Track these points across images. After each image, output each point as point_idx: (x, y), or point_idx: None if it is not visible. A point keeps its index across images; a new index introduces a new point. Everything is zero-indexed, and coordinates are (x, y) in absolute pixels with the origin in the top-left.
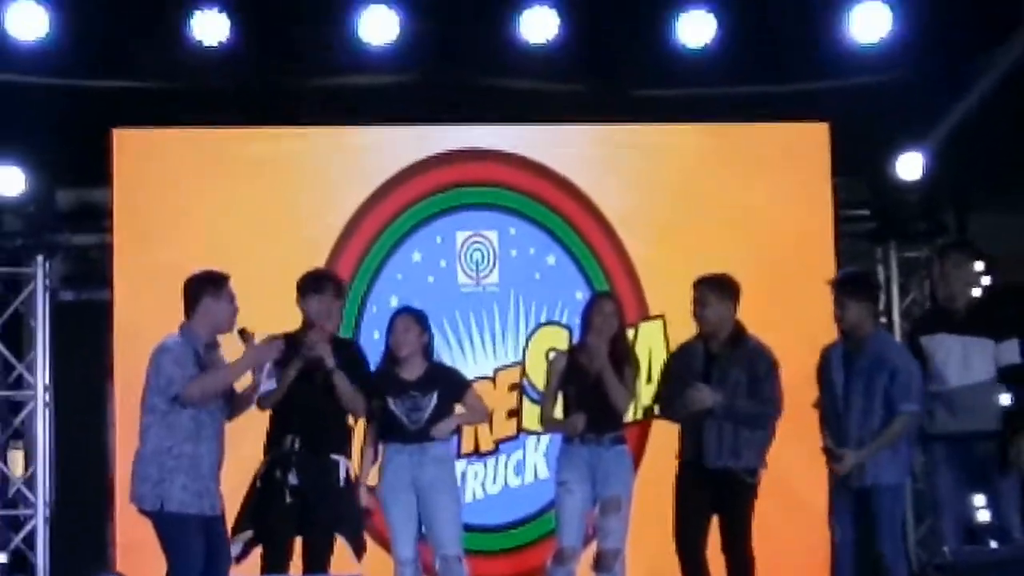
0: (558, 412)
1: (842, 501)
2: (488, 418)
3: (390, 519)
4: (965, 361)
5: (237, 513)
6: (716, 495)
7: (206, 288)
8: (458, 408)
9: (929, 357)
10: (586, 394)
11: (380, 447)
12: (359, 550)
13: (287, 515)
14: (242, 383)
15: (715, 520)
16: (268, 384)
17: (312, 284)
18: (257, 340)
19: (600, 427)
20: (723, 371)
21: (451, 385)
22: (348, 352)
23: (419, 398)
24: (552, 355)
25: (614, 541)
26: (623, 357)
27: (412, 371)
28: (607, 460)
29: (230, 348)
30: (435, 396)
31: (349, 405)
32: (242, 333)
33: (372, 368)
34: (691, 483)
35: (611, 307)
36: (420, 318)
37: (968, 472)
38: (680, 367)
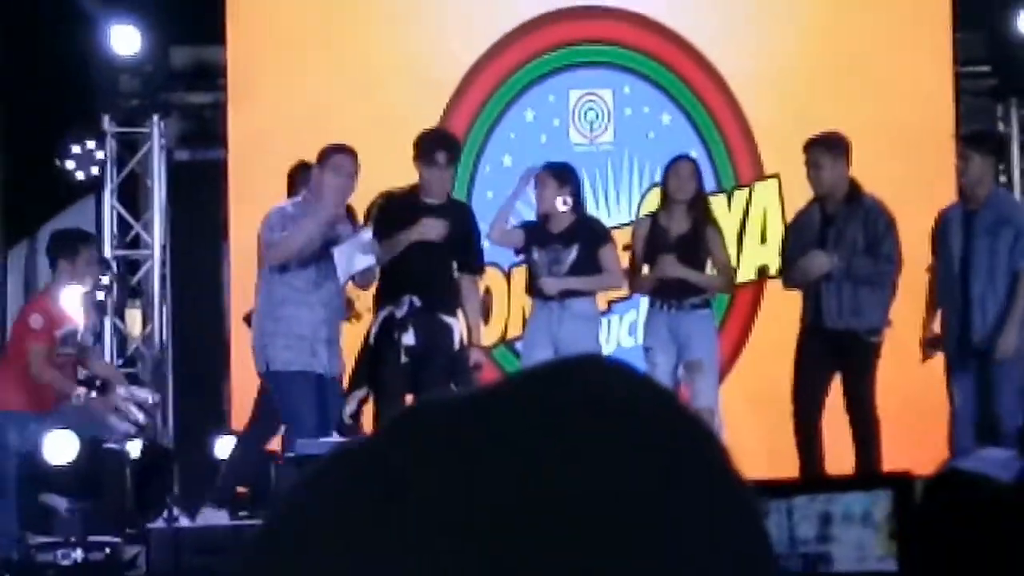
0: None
1: (960, 366)
2: (619, 286)
3: None
4: None
5: (351, 371)
6: (838, 356)
7: (316, 163)
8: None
9: None
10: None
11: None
12: None
13: (401, 374)
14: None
15: (837, 381)
16: (365, 261)
17: (426, 150)
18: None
19: (681, 292)
20: (840, 231)
21: (592, 237)
22: (463, 214)
23: (560, 250)
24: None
25: (705, 400)
26: (703, 220)
27: (558, 224)
28: (688, 324)
29: None
30: (575, 248)
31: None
32: (383, 195)
33: (485, 223)
34: (812, 345)
35: (688, 170)
36: (558, 173)
37: None
38: (797, 235)
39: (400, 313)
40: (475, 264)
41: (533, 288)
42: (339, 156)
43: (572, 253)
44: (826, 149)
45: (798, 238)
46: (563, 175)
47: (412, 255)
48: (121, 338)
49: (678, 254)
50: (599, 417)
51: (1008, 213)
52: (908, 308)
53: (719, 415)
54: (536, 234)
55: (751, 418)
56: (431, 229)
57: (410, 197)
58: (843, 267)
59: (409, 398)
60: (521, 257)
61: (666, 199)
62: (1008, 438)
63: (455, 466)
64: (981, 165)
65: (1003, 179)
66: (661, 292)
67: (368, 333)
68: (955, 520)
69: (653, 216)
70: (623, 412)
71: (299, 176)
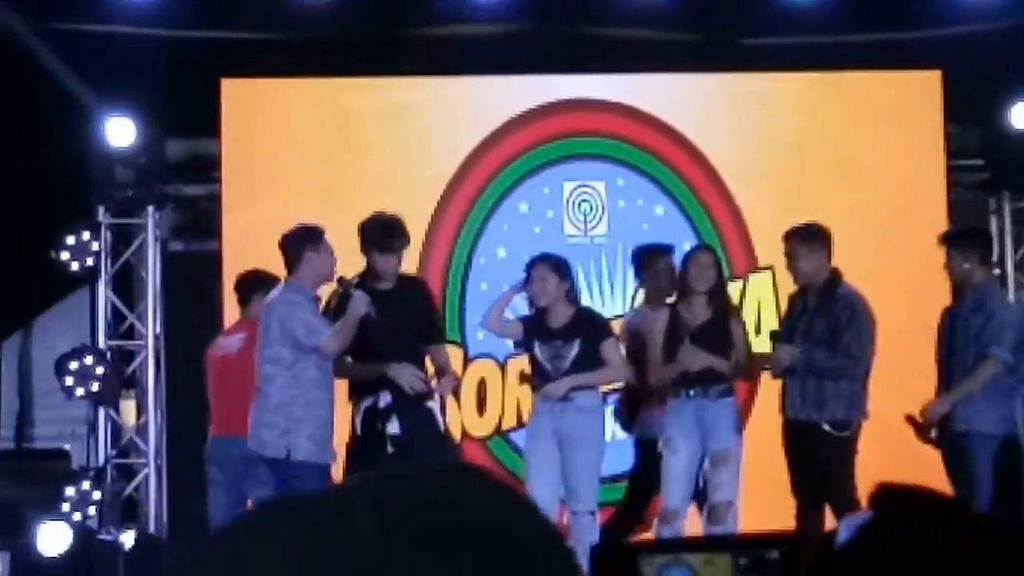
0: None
1: (944, 454)
2: (622, 378)
3: (529, 468)
4: None
5: (344, 466)
6: (805, 448)
7: (307, 243)
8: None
9: None
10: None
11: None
12: None
13: (387, 465)
14: None
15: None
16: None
17: (383, 239)
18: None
19: (706, 380)
20: (809, 322)
21: (594, 332)
22: (417, 290)
23: (561, 346)
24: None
25: (725, 494)
26: (725, 310)
27: (557, 318)
28: (714, 413)
29: None
30: (577, 343)
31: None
32: (340, 281)
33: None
34: (787, 439)
35: (708, 259)
36: (557, 265)
37: None
38: (784, 324)
39: (382, 403)
40: (435, 335)
41: (534, 383)
42: (324, 237)
43: (574, 348)
44: (801, 240)
45: (784, 327)
46: (564, 268)
47: (381, 343)
48: (116, 428)
49: (701, 344)
50: (468, 526)
51: (985, 302)
52: (896, 402)
53: (735, 510)
54: (536, 328)
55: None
56: (358, 307)
57: (362, 284)
58: (803, 360)
59: None
60: (518, 349)
61: (685, 289)
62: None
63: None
64: (963, 263)
65: (996, 271)
66: (685, 382)
67: (352, 425)
68: None
69: (672, 307)
70: (490, 525)
71: (251, 286)
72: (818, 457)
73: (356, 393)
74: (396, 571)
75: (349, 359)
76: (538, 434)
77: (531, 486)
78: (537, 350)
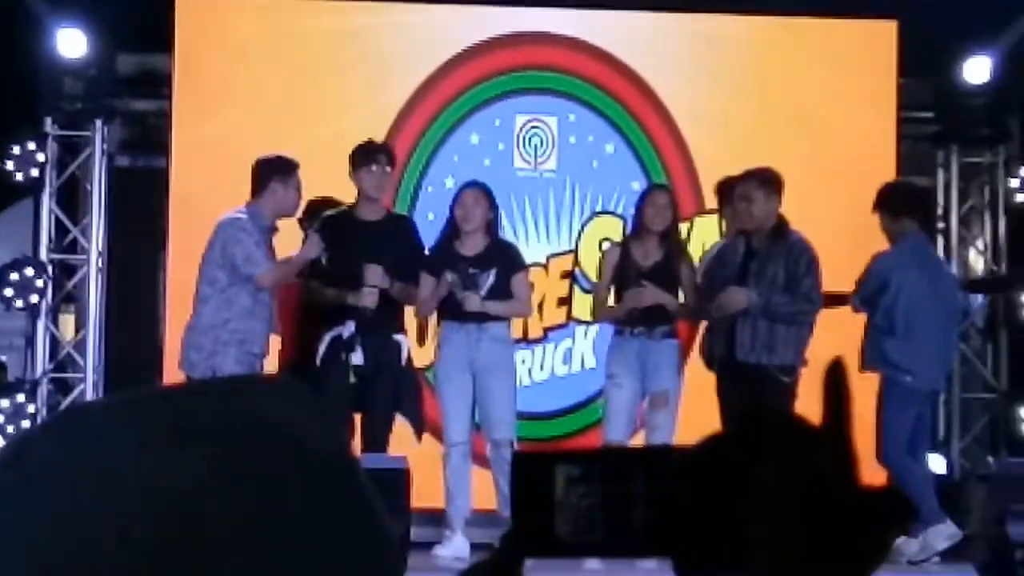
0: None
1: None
2: (529, 314)
3: (443, 399)
4: None
5: None
6: (750, 391)
7: (276, 173)
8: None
9: None
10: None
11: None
12: (419, 429)
13: (347, 393)
14: None
15: None
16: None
17: (363, 156)
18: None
19: (651, 320)
20: (762, 265)
21: (509, 262)
22: (402, 227)
23: (478, 274)
24: (606, 246)
25: (662, 435)
26: (676, 251)
27: (473, 246)
28: (657, 353)
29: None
30: (493, 273)
31: (407, 302)
32: (301, 223)
33: (428, 244)
34: (727, 382)
35: (664, 199)
36: (488, 192)
37: None
38: (718, 267)
39: (347, 333)
40: (417, 276)
41: (446, 310)
42: (296, 173)
43: (490, 277)
44: (760, 184)
45: (719, 271)
46: (492, 198)
47: (355, 273)
48: (54, 342)
49: (652, 283)
50: (239, 439)
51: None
52: (831, 350)
53: None
54: (448, 255)
55: None
56: (309, 250)
57: (346, 214)
58: (761, 303)
59: (357, 417)
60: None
61: (640, 228)
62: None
63: (86, 466)
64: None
65: (941, 224)
66: (631, 320)
67: (314, 352)
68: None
69: (624, 245)
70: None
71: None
72: (765, 401)
73: (322, 322)
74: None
75: (317, 283)
76: (452, 364)
77: (446, 415)
78: (449, 276)
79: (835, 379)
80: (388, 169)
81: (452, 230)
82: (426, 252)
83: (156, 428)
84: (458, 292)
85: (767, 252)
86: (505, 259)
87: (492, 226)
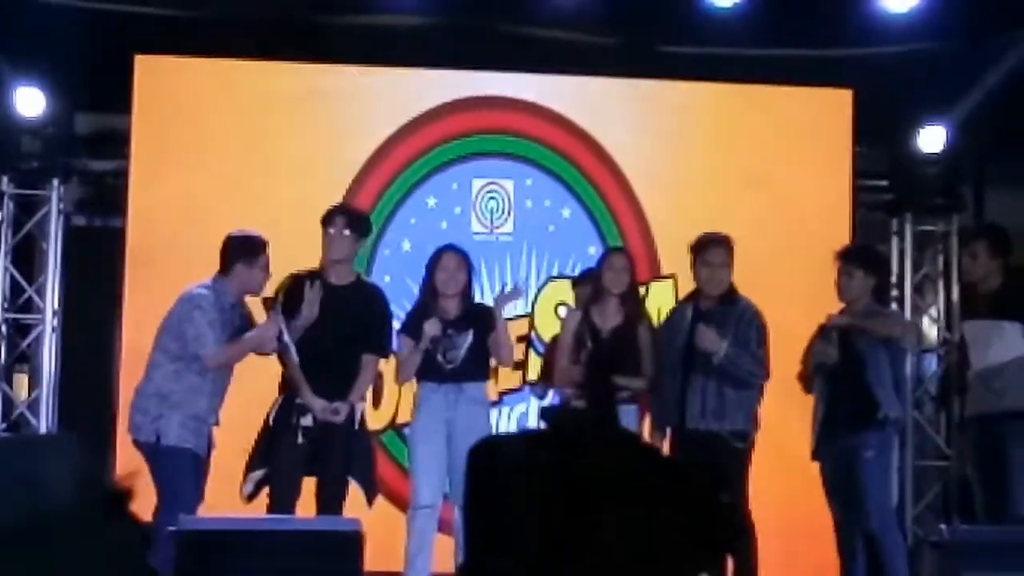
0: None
1: (832, 477)
2: (511, 362)
3: (415, 461)
4: (987, 343)
5: (250, 453)
6: (702, 458)
7: (242, 254)
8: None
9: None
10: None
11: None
12: (371, 493)
13: (298, 456)
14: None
15: None
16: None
17: (324, 220)
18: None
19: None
20: (716, 326)
21: (485, 324)
22: (367, 295)
23: (455, 336)
24: (564, 311)
25: None
26: (635, 315)
27: (450, 310)
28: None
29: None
30: (471, 334)
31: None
32: (266, 302)
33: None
34: (679, 447)
35: (622, 263)
36: (467, 257)
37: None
38: (668, 334)
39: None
40: (380, 346)
41: (424, 372)
42: (264, 252)
43: (468, 337)
44: (728, 249)
45: (669, 335)
46: (471, 263)
47: (317, 337)
48: (7, 402)
49: (610, 347)
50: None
51: (878, 310)
52: (792, 420)
53: None
54: (426, 318)
55: None
56: (267, 330)
57: (313, 278)
58: (731, 354)
59: (306, 479)
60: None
61: (598, 292)
62: None
63: None
64: (862, 283)
65: (895, 292)
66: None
67: (268, 415)
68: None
69: (585, 309)
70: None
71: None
72: (719, 469)
73: (283, 386)
74: None
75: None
76: (429, 426)
77: (417, 477)
78: (428, 327)
79: (596, 367)
80: (346, 232)
81: (430, 293)
82: (393, 320)
83: None
84: (441, 357)
85: (719, 314)
86: (481, 320)
87: (468, 289)
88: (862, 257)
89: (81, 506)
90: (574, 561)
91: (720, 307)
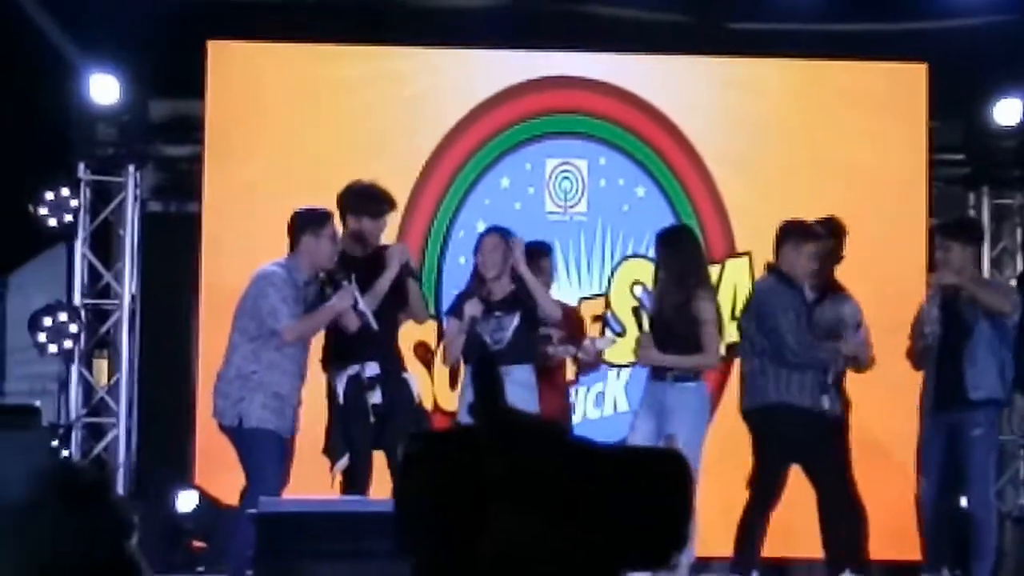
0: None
1: (931, 453)
2: (553, 314)
3: None
4: None
5: (326, 436)
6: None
7: (307, 227)
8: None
9: None
10: (655, 329)
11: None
12: None
13: (371, 434)
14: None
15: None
16: (369, 310)
17: (377, 208)
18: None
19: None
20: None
21: (535, 305)
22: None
23: (502, 317)
24: (637, 290)
25: None
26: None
27: (499, 291)
28: (672, 396)
29: None
30: (518, 316)
31: (416, 309)
32: (332, 277)
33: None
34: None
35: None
36: (506, 237)
37: None
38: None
39: (368, 373)
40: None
41: (469, 353)
42: (329, 223)
43: (515, 319)
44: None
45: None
46: (510, 239)
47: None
48: (87, 387)
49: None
50: None
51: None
52: (881, 403)
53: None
54: (476, 302)
55: (709, 496)
56: (343, 300)
57: (341, 253)
58: (836, 347)
59: (376, 455)
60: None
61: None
62: None
63: None
64: (962, 255)
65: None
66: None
67: (334, 394)
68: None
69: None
70: None
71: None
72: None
73: (339, 362)
74: None
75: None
76: None
77: None
78: (476, 324)
79: (483, 373)
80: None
81: (477, 276)
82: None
83: None
84: (488, 338)
85: (825, 305)
86: (530, 303)
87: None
88: (956, 229)
89: (49, 498)
90: (465, 562)
91: (821, 297)
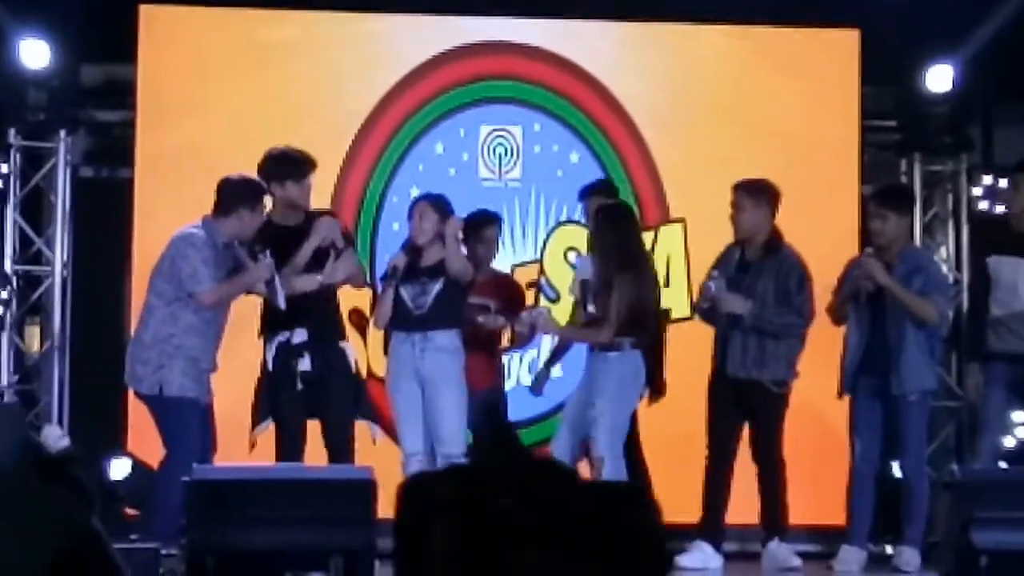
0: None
1: (863, 414)
2: (461, 270)
3: (395, 410)
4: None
5: (252, 403)
6: (743, 404)
7: (246, 200)
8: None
9: (995, 278)
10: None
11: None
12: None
13: (299, 401)
14: None
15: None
16: (283, 290)
17: (306, 168)
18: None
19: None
20: (753, 279)
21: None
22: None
23: (427, 283)
24: (571, 256)
25: (596, 448)
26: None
27: (429, 258)
28: (593, 366)
29: None
30: (442, 282)
31: (353, 274)
32: (252, 249)
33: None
34: (719, 391)
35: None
36: (438, 204)
37: (1018, 393)
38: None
39: (296, 340)
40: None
41: (394, 320)
42: (264, 199)
43: (438, 284)
44: (747, 193)
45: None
46: (445, 208)
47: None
48: (19, 354)
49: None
50: None
51: (921, 263)
52: (811, 363)
53: (608, 463)
54: (406, 270)
55: (652, 461)
56: (259, 272)
57: (268, 221)
58: (756, 314)
59: (310, 424)
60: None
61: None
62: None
63: None
64: (898, 224)
65: None
66: None
67: (262, 364)
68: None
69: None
70: None
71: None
72: (758, 414)
73: (269, 329)
74: None
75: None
76: (400, 374)
77: (400, 427)
78: (402, 290)
79: (489, 412)
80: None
81: (411, 244)
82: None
83: None
84: (411, 303)
85: (759, 266)
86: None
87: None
88: (894, 198)
89: (21, 470)
90: None
91: (761, 257)
